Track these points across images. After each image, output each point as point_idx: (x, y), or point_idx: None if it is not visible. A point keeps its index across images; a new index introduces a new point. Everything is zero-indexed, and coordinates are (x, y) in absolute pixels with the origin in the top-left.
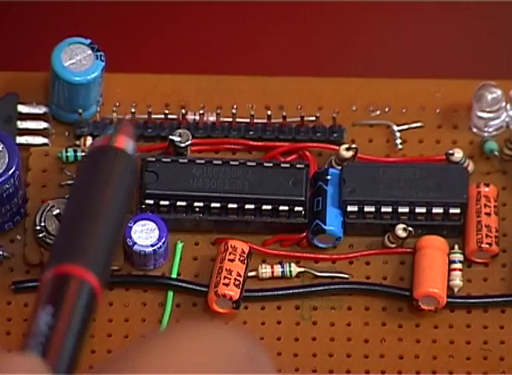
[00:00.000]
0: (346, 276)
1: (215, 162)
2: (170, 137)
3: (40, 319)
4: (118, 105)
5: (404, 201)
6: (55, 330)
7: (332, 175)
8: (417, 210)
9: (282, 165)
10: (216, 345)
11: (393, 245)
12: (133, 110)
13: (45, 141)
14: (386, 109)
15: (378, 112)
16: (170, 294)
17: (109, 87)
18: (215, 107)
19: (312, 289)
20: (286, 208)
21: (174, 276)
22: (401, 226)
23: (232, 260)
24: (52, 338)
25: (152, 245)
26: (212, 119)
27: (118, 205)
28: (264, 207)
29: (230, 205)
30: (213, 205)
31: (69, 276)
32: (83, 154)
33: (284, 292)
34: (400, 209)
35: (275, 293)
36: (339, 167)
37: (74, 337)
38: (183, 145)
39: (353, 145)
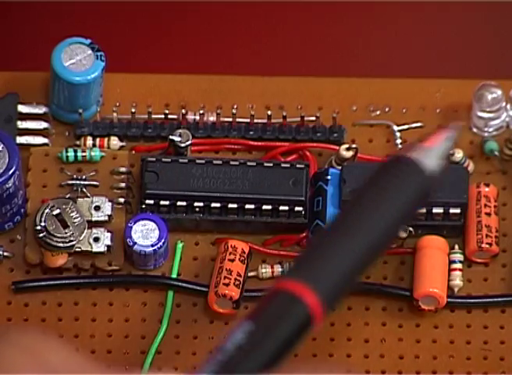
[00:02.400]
0: None
1: (215, 162)
2: (170, 137)
3: (233, 335)
4: (118, 105)
5: None
6: (242, 351)
7: (332, 175)
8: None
9: (282, 165)
10: None
11: (393, 245)
12: (133, 110)
13: (45, 141)
14: (386, 109)
15: (378, 112)
16: (170, 294)
17: (109, 87)
18: (215, 107)
19: None
20: (286, 208)
21: (174, 276)
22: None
23: (232, 260)
24: (236, 359)
25: (152, 245)
26: (212, 119)
27: (383, 227)
28: (265, 207)
29: (230, 205)
30: (213, 205)
31: (284, 292)
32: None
33: None
34: None
35: None
36: (339, 167)
37: (261, 363)
38: (183, 145)
39: (354, 145)
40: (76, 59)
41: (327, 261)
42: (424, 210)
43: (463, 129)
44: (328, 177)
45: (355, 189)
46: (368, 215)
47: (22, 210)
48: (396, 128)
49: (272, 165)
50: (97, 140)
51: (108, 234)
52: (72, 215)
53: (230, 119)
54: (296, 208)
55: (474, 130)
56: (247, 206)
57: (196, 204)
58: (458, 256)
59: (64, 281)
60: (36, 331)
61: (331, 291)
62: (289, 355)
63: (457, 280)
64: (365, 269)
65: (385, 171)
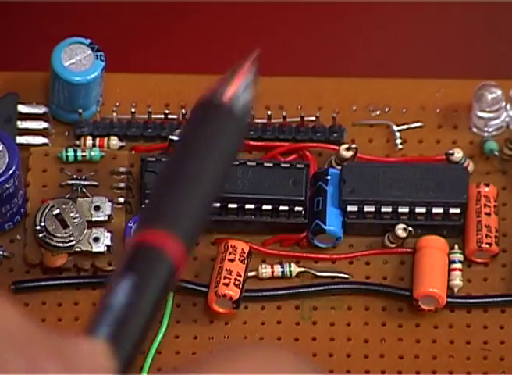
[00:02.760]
0: (346, 276)
1: None
2: (170, 137)
3: (117, 293)
4: (118, 105)
5: (404, 201)
6: (130, 308)
7: (332, 175)
8: (417, 210)
9: (282, 165)
10: (272, 366)
11: (393, 245)
12: (133, 110)
13: (45, 141)
14: (386, 109)
15: (378, 112)
16: (170, 294)
17: (109, 87)
18: None
19: (312, 289)
20: (286, 208)
21: None
22: (401, 226)
23: (232, 260)
24: (126, 317)
25: None
26: None
27: (213, 168)
28: (265, 207)
29: (230, 205)
30: (213, 205)
31: (148, 243)
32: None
33: (284, 292)
34: (400, 209)
35: (275, 293)
36: (339, 167)
37: (144, 319)
38: None
39: (353, 145)
40: (76, 59)
41: (180, 208)
42: (424, 210)
43: (463, 129)
44: (328, 177)
45: (180, 134)
46: (201, 160)
47: (22, 210)
48: (396, 128)
49: (272, 165)
50: (97, 140)
51: (108, 234)
52: (72, 215)
53: None
54: (296, 208)
55: (474, 130)
56: (247, 206)
57: None
58: (458, 256)
59: (64, 281)
60: None
61: (188, 235)
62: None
63: (457, 280)
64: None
65: (200, 118)
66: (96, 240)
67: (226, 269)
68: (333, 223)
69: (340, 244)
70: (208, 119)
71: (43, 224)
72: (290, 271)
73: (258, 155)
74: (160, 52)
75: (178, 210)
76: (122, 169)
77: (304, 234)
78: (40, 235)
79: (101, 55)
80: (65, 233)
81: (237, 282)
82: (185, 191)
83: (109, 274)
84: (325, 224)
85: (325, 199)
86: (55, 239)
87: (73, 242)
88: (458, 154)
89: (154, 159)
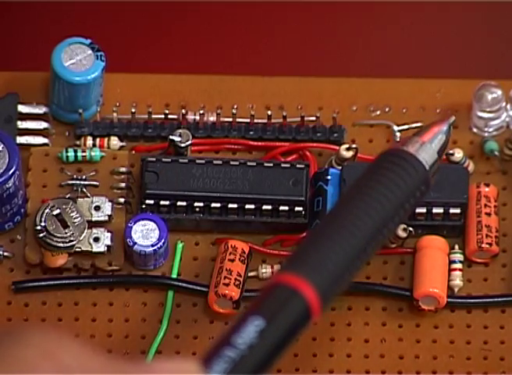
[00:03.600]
0: None
1: (215, 162)
2: (170, 137)
3: (243, 332)
4: (118, 105)
5: None
6: (254, 350)
7: (333, 175)
8: (417, 210)
9: (283, 165)
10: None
11: (393, 245)
12: (133, 110)
13: (45, 141)
14: (386, 109)
15: (378, 112)
16: (170, 294)
17: (109, 87)
18: (215, 107)
19: None
20: (286, 208)
21: (174, 276)
22: (401, 226)
23: (232, 260)
24: (247, 358)
25: (152, 245)
26: (212, 119)
27: (381, 223)
28: (265, 207)
29: (230, 205)
30: (213, 205)
31: (284, 285)
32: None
33: None
34: None
35: None
36: (340, 167)
37: (265, 362)
38: (183, 145)
39: (354, 145)
40: (76, 59)
41: (324, 255)
42: (424, 210)
43: (463, 129)
44: (329, 177)
45: (354, 181)
46: (366, 210)
47: (22, 210)
48: (396, 128)
49: (271, 165)
50: (97, 140)
51: (108, 234)
52: (72, 215)
53: (230, 119)
54: (296, 208)
55: (474, 130)
56: (247, 206)
57: (196, 204)
58: (458, 256)
59: (64, 281)
60: (51, 330)
61: (327, 286)
62: (288, 350)
63: (457, 280)
64: (361, 265)
65: (382, 165)
66: (96, 240)
67: (226, 269)
68: None
69: None
70: (389, 164)
71: (43, 224)
72: None
73: (258, 155)
74: (160, 52)
75: (323, 257)
76: (122, 169)
77: (304, 234)
78: (41, 235)
79: (101, 55)
80: (66, 233)
81: (237, 282)
82: (340, 237)
83: (109, 274)
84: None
85: (325, 199)
86: (55, 239)
87: (73, 242)
88: (458, 154)
89: (154, 159)
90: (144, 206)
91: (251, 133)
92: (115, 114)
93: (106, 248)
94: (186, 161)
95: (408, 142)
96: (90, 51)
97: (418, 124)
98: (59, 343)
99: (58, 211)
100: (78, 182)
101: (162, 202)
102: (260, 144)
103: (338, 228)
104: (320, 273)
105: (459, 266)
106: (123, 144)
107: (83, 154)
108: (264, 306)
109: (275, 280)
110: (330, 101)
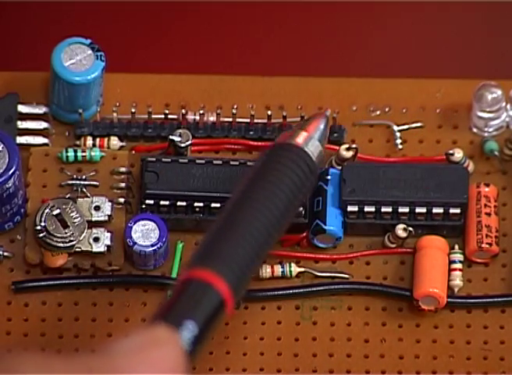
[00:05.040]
0: (346, 276)
1: (215, 162)
2: (170, 137)
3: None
4: (118, 105)
5: (404, 201)
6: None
7: (332, 175)
8: (417, 210)
9: None
10: None
11: (393, 245)
12: (133, 110)
13: (45, 141)
14: (386, 109)
15: (378, 112)
16: (170, 294)
17: (109, 87)
18: (215, 107)
19: (312, 289)
20: None
21: (174, 276)
22: (401, 226)
23: None
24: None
25: (152, 245)
26: (212, 119)
27: (277, 212)
28: None
29: None
30: (213, 205)
31: (196, 281)
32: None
33: (284, 292)
34: (400, 209)
35: (275, 293)
36: (339, 167)
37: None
38: (183, 145)
39: (354, 145)
40: (76, 59)
41: (230, 249)
42: (424, 210)
43: (463, 129)
44: (328, 177)
45: (245, 175)
46: (264, 203)
47: (22, 210)
48: (396, 128)
49: None
50: (97, 140)
51: (108, 234)
52: (72, 215)
53: (230, 119)
54: None
55: (474, 130)
56: None
57: (196, 204)
58: (458, 256)
59: (64, 281)
60: (33, 354)
61: (237, 279)
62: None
63: (457, 280)
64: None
65: (273, 158)
66: (96, 240)
67: None
68: (333, 223)
69: (340, 244)
70: (279, 157)
71: (43, 224)
72: (290, 271)
73: (258, 155)
74: (160, 52)
75: (231, 255)
76: (122, 169)
77: (304, 234)
78: (41, 235)
79: (101, 55)
80: (66, 233)
81: None
82: (241, 230)
83: (109, 274)
84: (325, 224)
85: (325, 199)
86: (55, 239)
87: (73, 242)
88: (458, 154)
89: (154, 159)
90: (143, 206)
91: (251, 133)
92: (115, 114)
93: (106, 248)
94: (186, 161)
95: (294, 135)
96: (90, 51)
97: (418, 124)
98: (41, 366)
99: (58, 211)
100: (78, 182)
101: (162, 202)
102: (260, 144)
103: (240, 222)
104: (229, 267)
105: (459, 266)
106: (123, 144)
107: (83, 154)
108: (185, 307)
109: (186, 276)
110: (330, 101)
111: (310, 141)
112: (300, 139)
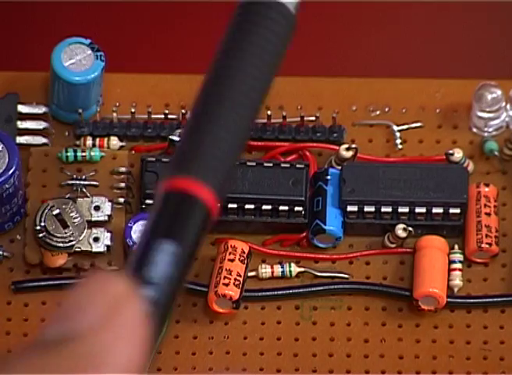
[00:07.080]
0: (346, 276)
1: None
2: (170, 137)
3: (158, 252)
4: (118, 105)
5: (404, 201)
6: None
7: (332, 175)
8: (417, 210)
9: (282, 165)
10: None
11: (393, 245)
12: (133, 110)
13: (45, 141)
14: (386, 109)
15: (378, 112)
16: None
17: (109, 87)
18: None
19: (312, 289)
20: (286, 208)
21: None
22: (401, 226)
23: (232, 260)
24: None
25: None
26: None
27: (257, 90)
28: (264, 207)
29: (230, 205)
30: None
31: (180, 193)
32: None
33: (284, 292)
34: (400, 209)
35: (275, 293)
36: (339, 167)
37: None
38: None
39: (353, 145)
40: (76, 59)
41: (208, 151)
42: (424, 210)
43: (463, 129)
44: (328, 177)
45: (218, 50)
46: (240, 77)
47: (22, 210)
48: (395, 128)
49: (271, 165)
50: (97, 140)
51: (108, 234)
52: (72, 215)
53: None
54: (296, 208)
55: (474, 130)
56: (247, 206)
57: None
58: (458, 256)
59: (64, 281)
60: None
61: (220, 182)
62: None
63: (457, 280)
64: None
65: (246, 18)
66: (96, 240)
67: (226, 269)
68: (333, 223)
69: (340, 244)
70: (257, 17)
71: (43, 224)
72: (290, 271)
73: (258, 155)
74: (160, 52)
75: (211, 157)
76: (122, 169)
77: (304, 234)
78: (40, 235)
79: (101, 55)
80: (65, 233)
81: (237, 282)
82: (219, 133)
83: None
84: (325, 224)
85: (325, 199)
86: (55, 239)
87: (73, 242)
88: (458, 154)
89: (154, 159)
90: (143, 206)
91: (251, 133)
92: (114, 114)
93: (106, 248)
94: None
95: None
96: (89, 51)
97: (418, 124)
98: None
99: (57, 211)
100: (78, 182)
101: None
102: (260, 144)
103: (216, 117)
104: (211, 171)
105: (459, 266)
106: (123, 144)
107: (83, 154)
108: (170, 224)
109: (167, 187)
110: (330, 101)
111: None
112: None
